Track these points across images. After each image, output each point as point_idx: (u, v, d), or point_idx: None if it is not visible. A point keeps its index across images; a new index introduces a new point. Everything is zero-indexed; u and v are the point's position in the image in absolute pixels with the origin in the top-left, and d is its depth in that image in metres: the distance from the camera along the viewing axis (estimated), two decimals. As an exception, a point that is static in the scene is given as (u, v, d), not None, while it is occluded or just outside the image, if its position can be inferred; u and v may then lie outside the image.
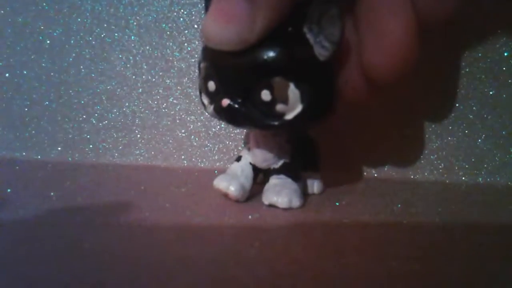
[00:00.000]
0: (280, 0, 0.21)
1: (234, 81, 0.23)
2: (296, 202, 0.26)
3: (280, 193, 0.26)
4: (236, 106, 0.23)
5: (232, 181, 0.27)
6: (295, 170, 0.27)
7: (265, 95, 0.23)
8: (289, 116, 0.23)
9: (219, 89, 0.24)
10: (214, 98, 0.24)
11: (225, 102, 0.23)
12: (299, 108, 0.23)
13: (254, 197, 0.28)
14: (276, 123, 0.23)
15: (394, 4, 0.21)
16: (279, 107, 0.23)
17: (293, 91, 0.22)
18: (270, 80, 0.22)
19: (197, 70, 0.26)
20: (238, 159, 0.28)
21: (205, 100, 0.26)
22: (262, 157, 0.27)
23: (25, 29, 0.37)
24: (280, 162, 0.27)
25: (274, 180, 0.27)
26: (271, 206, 0.26)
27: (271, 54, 0.22)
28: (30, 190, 0.29)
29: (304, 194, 0.28)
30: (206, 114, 0.26)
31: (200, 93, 0.26)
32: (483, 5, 0.32)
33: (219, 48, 0.22)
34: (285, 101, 0.23)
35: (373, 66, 0.23)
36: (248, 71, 0.22)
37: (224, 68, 0.23)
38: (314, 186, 0.30)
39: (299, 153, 0.28)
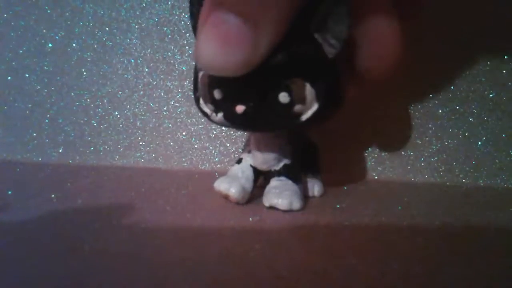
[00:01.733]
0: (284, 15, 0.20)
1: (247, 86, 0.22)
2: (296, 204, 0.26)
3: (280, 195, 0.26)
4: (252, 111, 0.23)
5: (232, 183, 0.27)
6: (295, 172, 0.27)
7: (283, 97, 0.22)
8: (306, 116, 0.23)
9: (227, 96, 0.23)
10: (222, 105, 0.24)
11: (240, 108, 0.23)
12: (315, 107, 0.23)
13: (255, 199, 0.28)
14: (293, 123, 0.23)
15: (386, 15, 0.23)
16: (297, 108, 0.23)
17: (309, 91, 0.22)
18: (287, 82, 0.22)
19: (193, 79, 0.25)
20: (239, 161, 0.28)
21: (208, 109, 0.25)
22: (263, 159, 0.27)
23: (27, 32, 0.38)
24: (281, 164, 0.27)
25: (274, 182, 0.27)
26: (271, 208, 0.26)
27: (287, 56, 0.21)
28: (31, 192, 0.29)
29: (305, 196, 0.28)
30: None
31: (198, 101, 0.25)
32: (484, 7, 0.32)
33: (221, 74, 0.21)
34: (302, 101, 0.23)
35: (370, 69, 0.24)
36: (264, 75, 0.22)
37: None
38: (315, 188, 0.30)
39: (300, 156, 0.28)
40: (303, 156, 0.29)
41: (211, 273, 0.18)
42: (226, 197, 0.27)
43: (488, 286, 0.18)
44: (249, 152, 0.28)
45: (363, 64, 0.24)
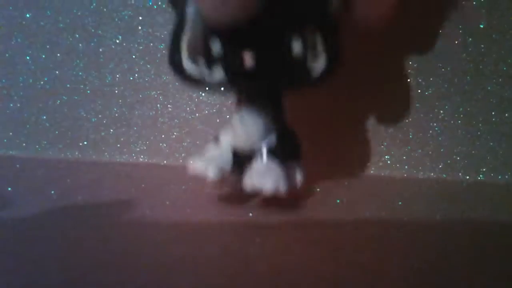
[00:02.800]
0: None
1: (256, 33, 0.21)
2: (282, 186, 0.24)
3: (265, 176, 0.24)
4: (262, 62, 0.21)
5: (210, 162, 0.25)
6: (280, 154, 0.26)
7: (297, 46, 0.21)
8: (317, 70, 0.22)
9: (231, 45, 0.21)
10: (222, 59, 0.22)
11: (249, 59, 0.21)
12: (322, 61, 0.22)
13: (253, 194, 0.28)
14: (302, 79, 0.23)
15: None
16: (309, 61, 0.22)
17: (319, 41, 0.22)
18: (300, 30, 0.22)
19: (171, 38, 0.23)
20: (216, 139, 0.26)
21: (197, 70, 0.22)
22: (246, 135, 0.25)
23: (21, 24, 0.37)
24: (265, 145, 0.25)
25: (258, 164, 0.25)
26: (255, 190, 0.24)
27: (297, 5, 0.21)
28: (31, 188, 0.29)
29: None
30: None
31: (179, 65, 0.22)
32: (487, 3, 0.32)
33: (226, 22, 0.20)
34: (313, 50, 0.22)
35: (366, 16, 0.24)
36: (275, 23, 0.21)
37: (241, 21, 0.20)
38: (297, 176, 0.27)
39: (281, 140, 0.26)
40: (285, 142, 0.27)
41: (212, 268, 0.18)
42: (202, 177, 0.25)
43: (488, 282, 0.18)
44: (230, 130, 0.26)
45: (359, 11, 0.24)
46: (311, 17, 0.21)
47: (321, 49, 0.22)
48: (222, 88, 0.23)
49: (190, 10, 0.22)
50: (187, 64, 0.23)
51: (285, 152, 0.26)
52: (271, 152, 0.25)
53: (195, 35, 0.22)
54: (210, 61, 0.22)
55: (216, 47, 0.21)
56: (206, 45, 0.22)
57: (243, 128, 0.25)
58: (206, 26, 0.21)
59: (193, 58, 0.22)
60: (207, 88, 0.23)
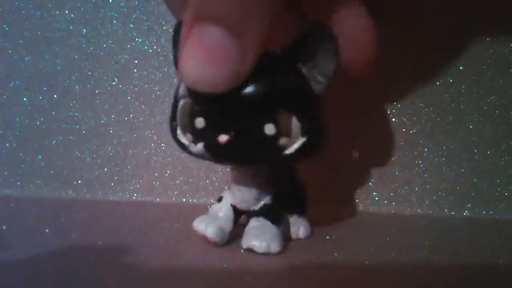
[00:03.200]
0: (266, 23, 0.20)
1: (232, 116, 0.22)
2: (274, 247, 0.24)
3: (258, 237, 0.24)
4: (235, 142, 0.22)
5: (211, 223, 0.26)
6: (275, 213, 0.26)
7: (269, 128, 0.22)
8: (290, 150, 0.23)
9: (210, 125, 0.23)
10: (203, 135, 0.23)
11: (223, 138, 0.22)
12: (300, 141, 0.22)
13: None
14: (276, 157, 0.23)
15: (357, 11, 0.23)
16: (282, 141, 0.22)
17: (295, 124, 0.22)
18: (273, 113, 0.22)
19: (171, 108, 0.25)
20: (219, 199, 0.28)
21: (186, 139, 0.24)
22: (241, 198, 0.26)
23: (20, 67, 0.38)
24: (260, 204, 0.26)
25: (253, 223, 0.26)
26: (249, 250, 0.25)
27: (274, 86, 0.21)
28: (25, 227, 0.29)
29: (289, 238, 0.27)
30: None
31: (175, 131, 0.24)
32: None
33: (209, 91, 0.20)
34: (288, 134, 0.22)
35: (346, 64, 0.24)
36: (250, 105, 0.21)
37: (218, 103, 0.21)
38: (300, 230, 0.28)
39: (283, 195, 0.27)
40: (288, 196, 0.28)
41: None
42: (204, 237, 0.26)
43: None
44: (230, 193, 0.27)
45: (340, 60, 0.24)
46: (285, 102, 0.22)
47: (297, 132, 0.22)
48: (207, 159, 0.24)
49: (181, 85, 0.23)
50: (179, 134, 0.24)
51: (283, 209, 0.27)
52: (266, 212, 0.26)
53: (184, 112, 0.24)
54: (194, 136, 0.24)
55: (199, 123, 0.23)
56: (191, 121, 0.23)
57: (239, 193, 0.26)
58: (192, 104, 0.23)
59: (184, 132, 0.24)
60: (196, 155, 0.24)
